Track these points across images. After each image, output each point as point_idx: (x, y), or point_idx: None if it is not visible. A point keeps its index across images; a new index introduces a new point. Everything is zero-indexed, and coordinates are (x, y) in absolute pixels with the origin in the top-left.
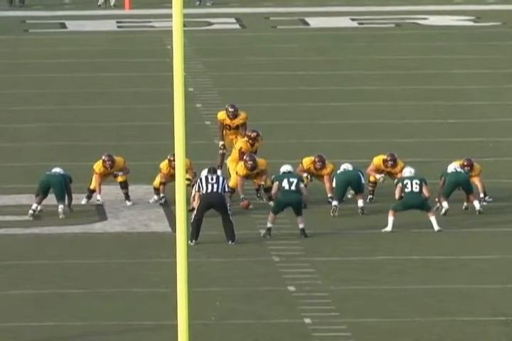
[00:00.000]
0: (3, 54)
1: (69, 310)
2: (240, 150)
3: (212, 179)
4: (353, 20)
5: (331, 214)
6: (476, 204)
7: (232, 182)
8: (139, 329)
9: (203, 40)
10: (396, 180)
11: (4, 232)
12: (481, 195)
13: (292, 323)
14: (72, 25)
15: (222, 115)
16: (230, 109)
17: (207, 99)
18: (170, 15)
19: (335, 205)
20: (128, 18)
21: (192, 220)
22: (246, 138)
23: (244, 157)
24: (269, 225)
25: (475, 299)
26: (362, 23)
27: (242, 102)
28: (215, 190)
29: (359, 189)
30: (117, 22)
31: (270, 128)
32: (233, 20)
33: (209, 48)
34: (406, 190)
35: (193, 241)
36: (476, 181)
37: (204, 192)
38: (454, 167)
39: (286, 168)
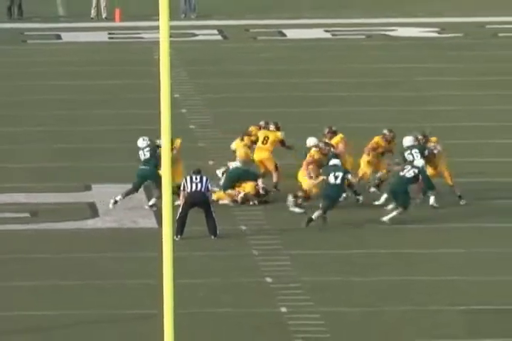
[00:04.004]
0: (3, 63)
1: (64, 301)
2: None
3: (196, 179)
4: (326, 31)
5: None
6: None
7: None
8: (129, 318)
9: (188, 50)
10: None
11: (4, 228)
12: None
13: (270, 312)
14: (66, 37)
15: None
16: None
17: (191, 105)
18: (157, 27)
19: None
20: (119, 30)
21: (177, 217)
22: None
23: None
24: (315, 215)
25: (441, 290)
26: (335, 35)
27: (224, 108)
28: (198, 189)
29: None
30: (109, 33)
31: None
32: (216, 31)
33: (193, 58)
34: (400, 174)
35: (178, 236)
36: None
37: (188, 190)
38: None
39: (333, 161)
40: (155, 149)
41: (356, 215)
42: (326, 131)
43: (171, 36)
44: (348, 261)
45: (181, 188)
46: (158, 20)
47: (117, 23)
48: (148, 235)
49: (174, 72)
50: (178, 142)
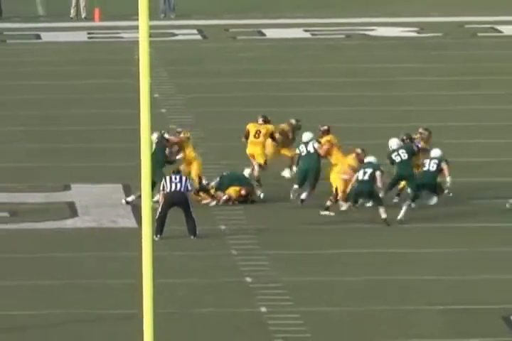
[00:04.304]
0: None
1: (45, 301)
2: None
3: (175, 178)
4: (306, 31)
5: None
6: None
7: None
8: (110, 317)
9: (168, 50)
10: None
11: None
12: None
13: (250, 312)
14: (46, 36)
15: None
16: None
17: (171, 105)
18: (137, 27)
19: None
20: (98, 30)
21: (156, 217)
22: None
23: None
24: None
25: (420, 289)
26: (315, 34)
27: (204, 108)
28: (178, 188)
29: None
30: (88, 33)
31: (228, 132)
32: (195, 31)
33: (173, 57)
34: (424, 169)
35: (158, 236)
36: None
37: (168, 190)
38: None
39: (368, 159)
40: (161, 144)
41: (337, 215)
42: (320, 129)
43: (150, 36)
44: (328, 260)
45: (161, 188)
46: (137, 19)
47: (97, 23)
48: (128, 235)
49: (154, 71)
50: (182, 134)
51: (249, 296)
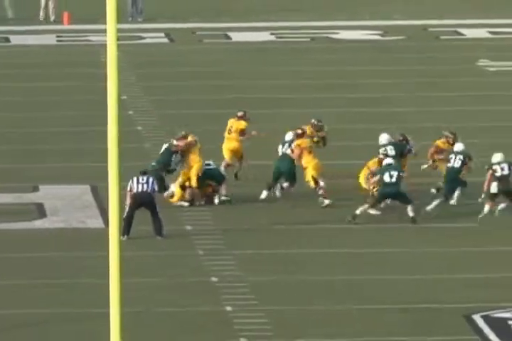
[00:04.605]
0: None
1: (16, 300)
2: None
3: (142, 179)
4: (272, 34)
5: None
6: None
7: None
8: (78, 317)
9: (135, 53)
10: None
11: None
12: None
13: (215, 311)
14: (15, 39)
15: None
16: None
17: (138, 107)
18: (105, 30)
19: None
20: (67, 33)
21: (124, 217)
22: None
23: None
24: (357, 212)
25: (385, 288)
26: (280, 37)
27: (171, 110)
28: (144, 189)
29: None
30: (57, 36)
31: (197, 134)
32: (163, 34)
33: (141, 60)
34: (448, 165)
35: (125, 236)
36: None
37: (135, 191)
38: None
39: (387, 161)
40: (167, 149)
41: (303, 215)
42: (296, 132)
43: (118, 39)
44: (293, 260)
45: (128, 189)
46: (105, 23)
47: (65, 26)
48: (96, 235)
49: (121, 74)
50: (189, 137)
51: (214, 295)
